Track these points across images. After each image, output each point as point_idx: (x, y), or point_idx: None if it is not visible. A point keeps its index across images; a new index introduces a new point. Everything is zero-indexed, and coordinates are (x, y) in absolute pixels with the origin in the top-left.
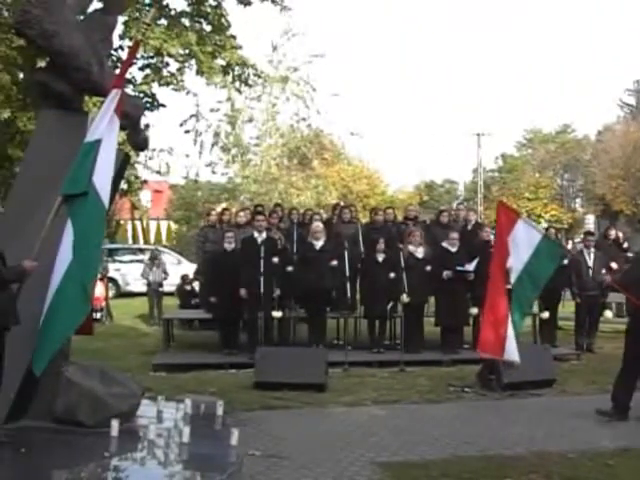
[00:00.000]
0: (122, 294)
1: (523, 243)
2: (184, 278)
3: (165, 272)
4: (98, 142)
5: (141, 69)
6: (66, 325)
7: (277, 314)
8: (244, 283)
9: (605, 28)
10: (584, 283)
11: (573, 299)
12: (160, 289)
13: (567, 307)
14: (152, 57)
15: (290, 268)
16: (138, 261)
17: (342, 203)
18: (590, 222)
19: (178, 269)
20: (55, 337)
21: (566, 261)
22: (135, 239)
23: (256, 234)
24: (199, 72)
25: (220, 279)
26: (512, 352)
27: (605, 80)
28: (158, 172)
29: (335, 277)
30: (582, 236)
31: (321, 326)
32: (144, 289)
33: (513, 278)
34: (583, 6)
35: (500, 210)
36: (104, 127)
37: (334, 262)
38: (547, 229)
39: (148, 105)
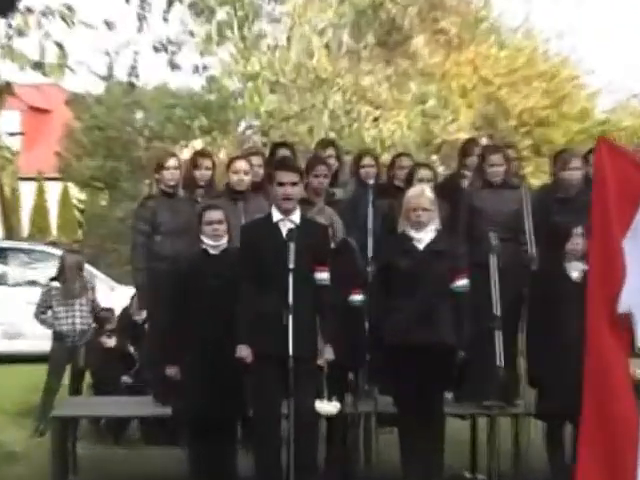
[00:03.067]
0: None
1: None
2: (101, 319)
3: (95, 309)
4: None
5: None
6: None
7: (328, 407)
8: (246, 330)
9: None
10: None
11: None
12: (80, 348)
13: None
14: None
15: (358, 297)
16: (29, 283)
17: (484, 140)
18: None
19: (109, 300)
20: None
21: None
22: None
23: (277, 215)
24: None
25: (191, 322)
26: None
27: None
28: (38, 66)
29: (466, 320)
30: None
31: (434, 437)
32: (45, 346)
33: None
34: None
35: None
36: None
37: (460, 283)
38: None
39: None
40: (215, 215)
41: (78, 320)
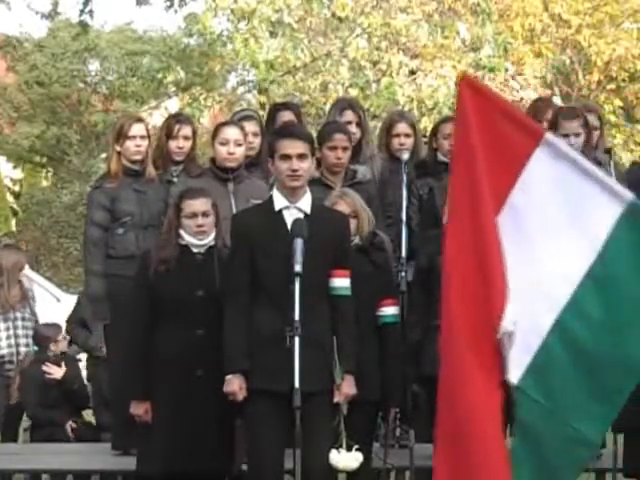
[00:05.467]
0: None
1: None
2: (43, 338)
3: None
4: None
5: None
6: None
7: (347, 459)
8: (237, 356)
9: None
10: None
11: None
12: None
13: None
14: None
15: (391, 311)
16: None
17: (557, 101)
18: None
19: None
20: None
21: None
22: None
23: (279, 200)
24: None
25: (164, 345)
26: None
27: None
28: None
29: None
30: None
31: None
32: None
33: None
34: None
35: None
36: None
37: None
38: None
39: None
40: (199, 205)
41: (22, 340)
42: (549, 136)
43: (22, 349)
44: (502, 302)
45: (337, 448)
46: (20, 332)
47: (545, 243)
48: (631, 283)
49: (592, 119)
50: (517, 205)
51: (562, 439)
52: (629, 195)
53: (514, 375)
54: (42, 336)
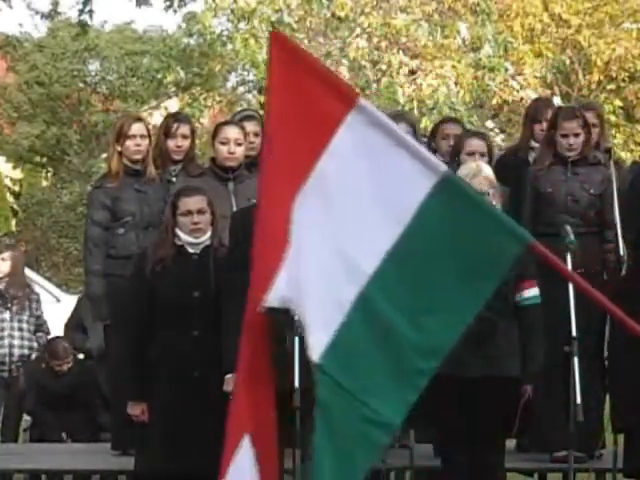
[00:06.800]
0: None
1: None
2: (51, 350)
3: (43, 326)
4: None
5: None
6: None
7: None
8: (236, 355)
9: None
10: None
11: None
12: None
13: None
14: None
15: None
16: None
17: (557, 101)
18: None
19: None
20: None
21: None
22: None
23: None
24: None
25: (161, 345)
26: None
27: None
28: None
29: (535, 344)
30: None
31: None
32: None
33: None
34: None
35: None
36: None
37: (529, 294)
38: None
39: None
40: (194, 202)
41: (17, 342)
42: (363, 102)
43: (16, 351)
44: (271, 275)
45: None
46: (16, 334)
47: (353, 213)
48: (435, 260)
49: (590, 117)
50: (326, 172)
51: (358, 419)
52: (443, 167)
53: (315, 353)
54: (52, 351)
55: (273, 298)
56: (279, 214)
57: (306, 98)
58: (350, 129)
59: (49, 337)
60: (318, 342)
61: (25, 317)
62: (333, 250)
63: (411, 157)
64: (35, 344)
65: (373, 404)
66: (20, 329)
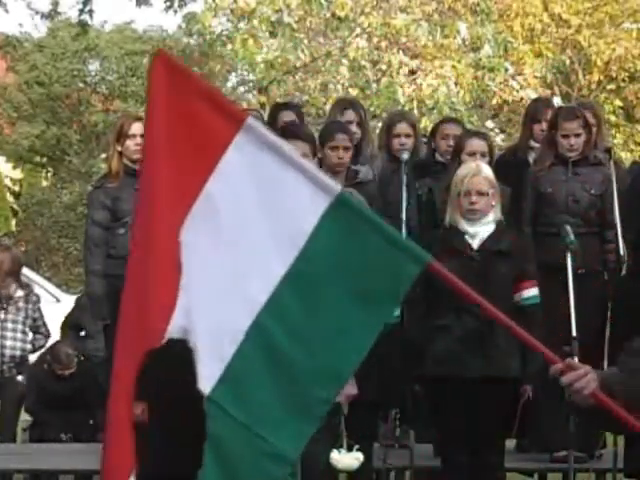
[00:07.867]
0: None
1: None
2: (54, 355)
3: (41, 327)
4: None
5: None
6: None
7: (348, 459)
8: None
9: None
10: None
11: None
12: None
13: None
14: None
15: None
16: None
17: (557, 101)
18: None
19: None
20: None
21: None
22: None
23: None
24: None
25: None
26: None
27: None
28: None
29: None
30: None
31: None
32: None
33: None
34: None
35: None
36: None
37: (529, 293)
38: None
39: None
40: None
41: (9, 342)
42: (251, 121)
43: (7, 351)
44: (171, 303)
45: (337, 448)
46: (8, 334)
47: (243, 238)
48: (331, 284)
49: (592, 117)
50: (214, 193)
51: (254, 453)
52: (337, 188)
53: (205, 385)
54: (55, 356)
55: (173, 328)
56: (171, 237)
57: (193, 119)
58: (239, 150)
59: (51, 340)
60: (209, 374)
61: (20, 318)
62: (224, 276)
63: (304, 178)
64: (29, 346)
65: (270, 437)
66: (14, 330)
